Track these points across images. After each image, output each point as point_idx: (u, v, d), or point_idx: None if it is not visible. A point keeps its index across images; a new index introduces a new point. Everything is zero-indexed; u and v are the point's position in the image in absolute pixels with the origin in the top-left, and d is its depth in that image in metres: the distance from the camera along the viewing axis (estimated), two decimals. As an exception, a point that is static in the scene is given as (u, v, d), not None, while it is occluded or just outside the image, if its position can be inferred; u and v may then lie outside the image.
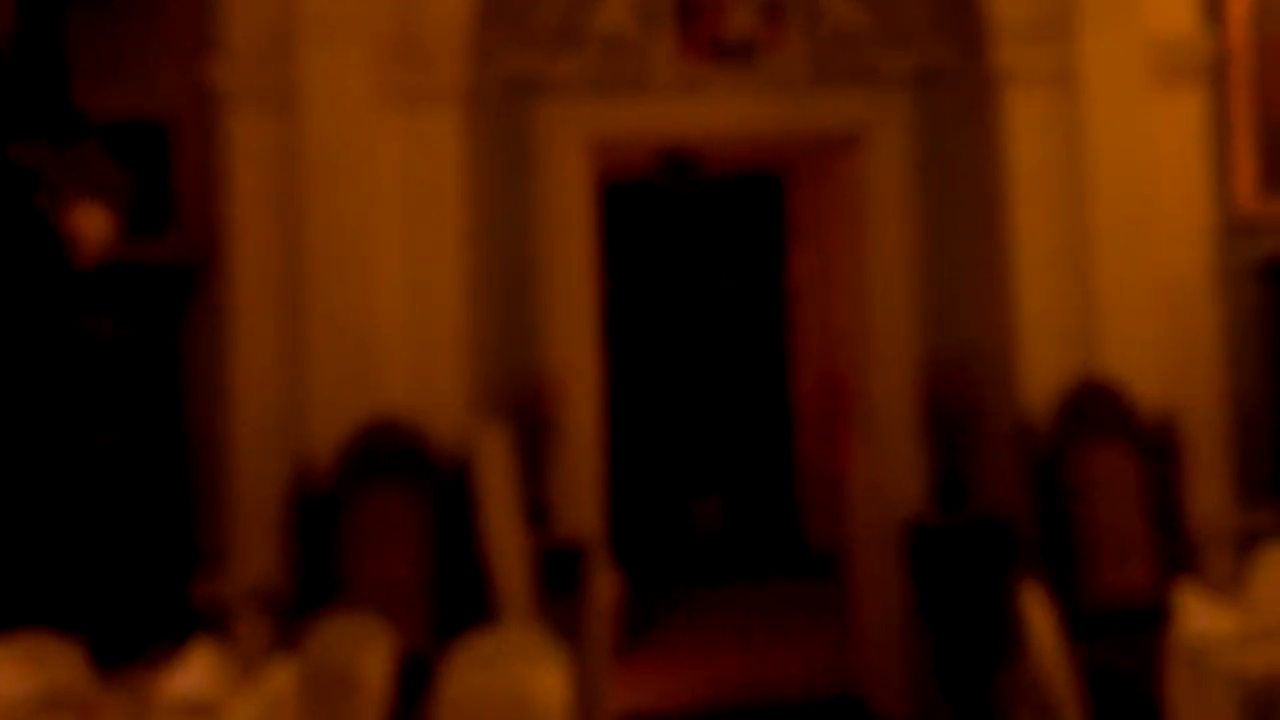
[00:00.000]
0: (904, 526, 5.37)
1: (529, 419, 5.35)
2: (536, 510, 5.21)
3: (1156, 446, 4.77)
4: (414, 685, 3.91)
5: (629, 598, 6.76)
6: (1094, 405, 4.81)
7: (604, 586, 5.52)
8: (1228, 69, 5.20)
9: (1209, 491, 4.94)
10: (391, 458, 4.78)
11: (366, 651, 3.80)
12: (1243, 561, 4.01)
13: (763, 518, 9.16)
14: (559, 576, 5.09)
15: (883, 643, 5.68)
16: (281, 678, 3.37)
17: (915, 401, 5.48)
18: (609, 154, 5.92)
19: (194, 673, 3.38)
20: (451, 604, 4.63)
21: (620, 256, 7.95)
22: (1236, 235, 5.17)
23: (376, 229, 4.96)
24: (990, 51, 5.18)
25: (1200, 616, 3.58)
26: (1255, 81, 5.19)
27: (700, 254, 9.39)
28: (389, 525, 4.73)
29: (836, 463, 7.38)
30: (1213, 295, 5.13)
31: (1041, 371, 4.96)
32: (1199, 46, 5.17)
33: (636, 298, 9.05)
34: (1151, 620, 4.44)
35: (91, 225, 4.74)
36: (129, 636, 4.10)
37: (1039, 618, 3.55)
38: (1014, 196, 5.09)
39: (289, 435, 4.86)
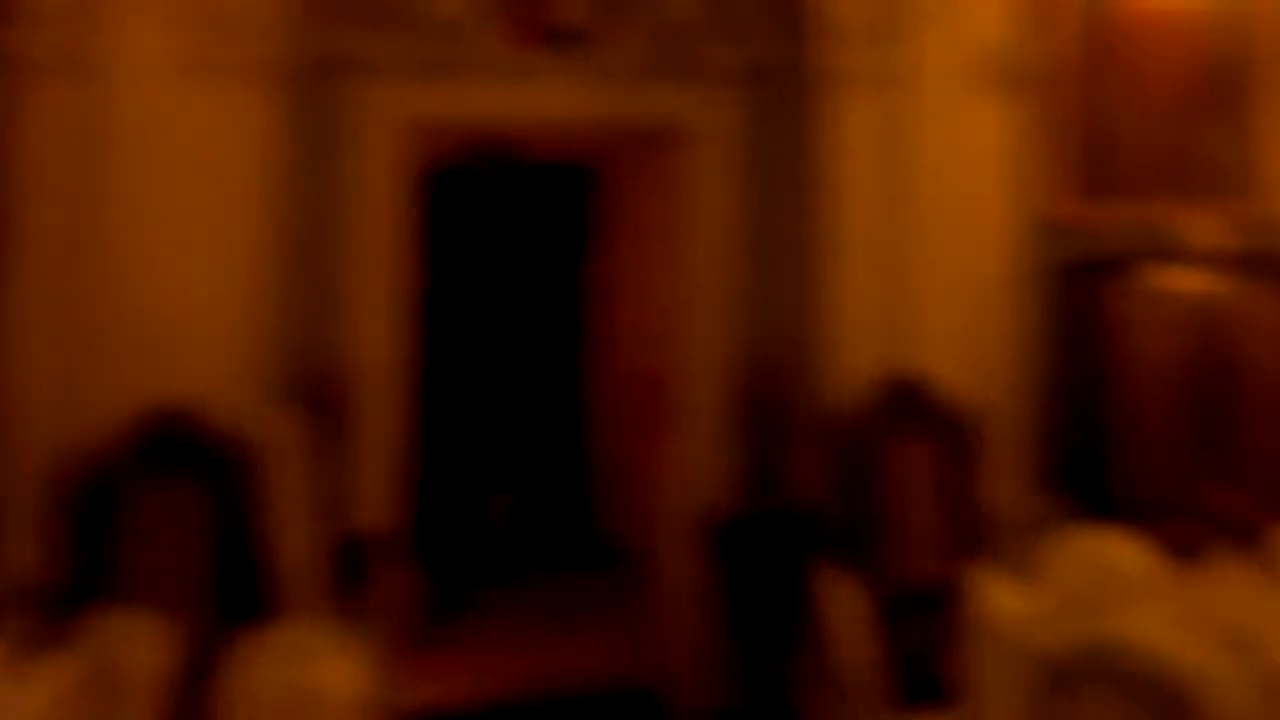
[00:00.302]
0: (713, 518, 5.46)
1: (328, 408, 5.24)
2: (333, 502, 5.10)
3: (959, 439, 4.99)
4: (197, 681, 3.77)
5: (426, 592, 6.70)
6: (901, 399, 5.02)
7: (399, 580, 5.45)
8: (1047, 77, 5.46)
9: (1007, 481, 5.19)
10: (177, 446, 4.61)
11: (146, 647, 3.66)
12: (1037, 546, 4.20)
13: (559, 513, 9.18)
14: (353, 569, 5.01)
15: (684, 635, 5.77)
16: (62, 673, 3.22)
17: (729, 395, 5.60)
18: (431, 139, 5.85)
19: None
20: (236, 597, 4.49)
21: (443, 244, 7.86)
22: (1046, 238, 5.43)
23: (174, 206, 4.77)
24: (820, 51, 5.33)
25: (999, 597, 3.75)
26: (1073, 90, 5.47)
27: (514, 244, 9.35)
28: (172, 516, 4.55)
29: (642, 457, 7.46)
30: (1021, 295, 5.38)
31: (854, 366, 5.14)
32: (1021, 54, 5.41)
33: (455, 287, 8.95)
34: (950, 602, 4.65)
35: None
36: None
37: (840, 602, 3.66)
38: (836, 194, 5.25)
39: (68, 421, 4.63)
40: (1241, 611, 3.44)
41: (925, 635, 4.49)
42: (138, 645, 3.62)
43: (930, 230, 5.18)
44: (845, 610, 3.60)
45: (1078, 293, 5.26)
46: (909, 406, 5.00)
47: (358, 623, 4.40)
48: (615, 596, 7.48)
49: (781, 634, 5.27)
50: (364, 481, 5.34)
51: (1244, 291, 5.17)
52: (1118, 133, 5.46)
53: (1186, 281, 5.15)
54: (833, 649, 3.60)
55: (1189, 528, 3.97)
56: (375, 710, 3.58)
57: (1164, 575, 3.95)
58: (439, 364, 8.52)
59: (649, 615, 6.35)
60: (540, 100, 5.58)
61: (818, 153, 5.36)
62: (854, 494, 4.89)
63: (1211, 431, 5.07)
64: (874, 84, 5.25)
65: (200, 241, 4.83)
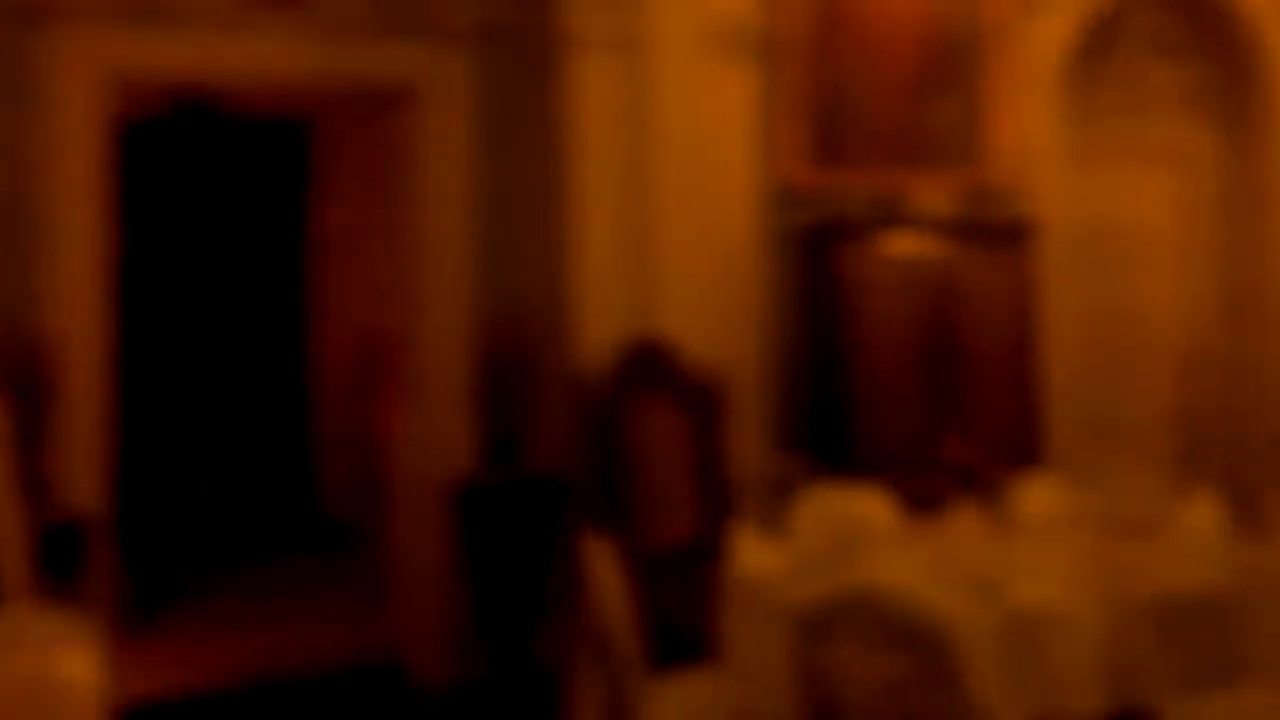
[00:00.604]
0: (453, 486, 5.48)
1: (25, 383, 4.97)
2: (34, 484, 4.85)
3: (703, 402, 5.18)
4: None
5: (134, 578, 6.45)
6: (647, 363, 5.15)
7: (106, 566, 5.26)
8: (783, 46, 5.69)
9: (749, 442, 5.43)
10: None
11: None
12: (784, 504, 4.44)
13: (280, 489, 8.95)
14: (58, 555, 4.79)
15: (423, 608, 5.77)
16: None
17: (470, 361, 5.62)
18: (134, 91, 5.59)
19: None
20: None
21: (142, 203, 7.52)
22: (785, 205, 5.67)
23: None
24: (559, 13, 5.36)
25: (751, 554, 3.94)
26: (802, 59, 5.72)
27: (227, 204, 8.98)
28: None
29: (373, 426, 7.38)
30: (761, 261, 5.60)
31: (599, 330, 5.23)
32: (757, 22, 5.58)
33: (164, 250, 8.56)
34: (700, 560, 4.87)
35: None
36: None
37: (601, 564, 3.76)
38: (577, 159, 5.30)
39: None
40: (981, 558, 3.75)
41: (679, 596, 4.66)
42: None
43: (672, 196, 5.32)
44: (604, 573, 3.71)
45: (815, 257, 5.54)
46: (654, 370, 5.15)
47: (71, 611, 4.22)
48: (344, 574, 7.45)
49: (530, 601, 5.36)
50: (68, 461, 5.10)
51: (969, 256, 5.59)
52: (852, 103, 5.77)
53: (917, 246, 5.52)
54: (594, 613, 3.70)
55: (928, 481, 4.28)
56: (103, 699, 3.47)
57: (907, 526, 4.26)
58: (146, 333, 8.17)
59: (388, 589, 6.33)
60: (256, 54, 5.42)
61: (559, 116, 5.42)
62: (602, 458, 5.00)
63: (942, 388, 5.46)
64: (614, 48, 5.33)
65: None
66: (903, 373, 5.39)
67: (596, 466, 4.99)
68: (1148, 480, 6.59)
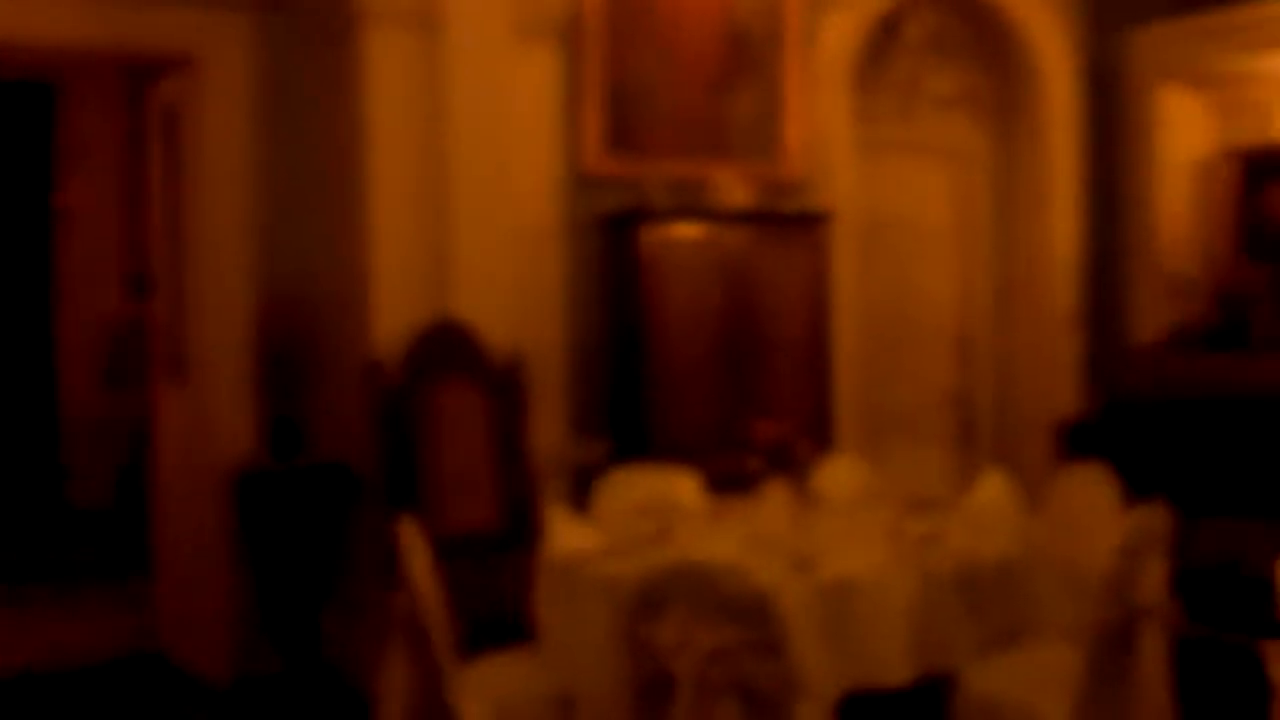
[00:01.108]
0: (231, 474, 5.37)
1: None
2: None
3: (503, 386, 5.23)
4: None
5: None
6: (444, 346, 5.14)
7: None
8: (584, 33, 5.77)
9: (550, 427, 5.52)
10: None
11: None
12: (581, 488, 4.56)
13: (21, 478, 8.54)
14: None
15: (196, 599, 5.66)
16: None
17: (250, 344, 5.51)
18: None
19: None
20: None
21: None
22: (586, 191, 5.78)
23: None
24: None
25: (566, 535, 4.04)
26: (604, 46, 5.82)
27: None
28: None
29: (136, 411, 7.15)
30: (562, 247, 5.68)
31: (394, 313, 5.16)
32: (559, 7, 5.63)
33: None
34: (502, 545, 4.96)
35: None
36: None
37: (415, 550, 3.79)
38: (370, 138, 5.21)
39: None
40: (792, 534, 3.96)
41: (480, 581, 4.73)
42: None
43: (471, 178, 5.29)
44: (415, 559, 3.74)
45: (616, 244, 5.68)
46: (452, 353, 5.15)
47: None
48: (95, 565, 7.25)
49: (315, 591, 5.31)
50: None
51: (766, 245, 5.84)
52: (654, 92, 5.92)
53: (716, 235, 5.72)
54: (407, 599, 3.73)
55: (732, 461, 4.45)
56: None
57: (715, 505, 4.46)
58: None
59: (155, 580, 6.17)
60: (7, 11, 5.21)
61: (351, 92, 5.31)
62: (396, 443, 4.99)
63: (740, 373, 5.69)
64: (410, 24, 5.26)
65: None
66: (702, 358, 5.59)
67: (390, 452, 4.98)
68: (931, 460, 7.04)
